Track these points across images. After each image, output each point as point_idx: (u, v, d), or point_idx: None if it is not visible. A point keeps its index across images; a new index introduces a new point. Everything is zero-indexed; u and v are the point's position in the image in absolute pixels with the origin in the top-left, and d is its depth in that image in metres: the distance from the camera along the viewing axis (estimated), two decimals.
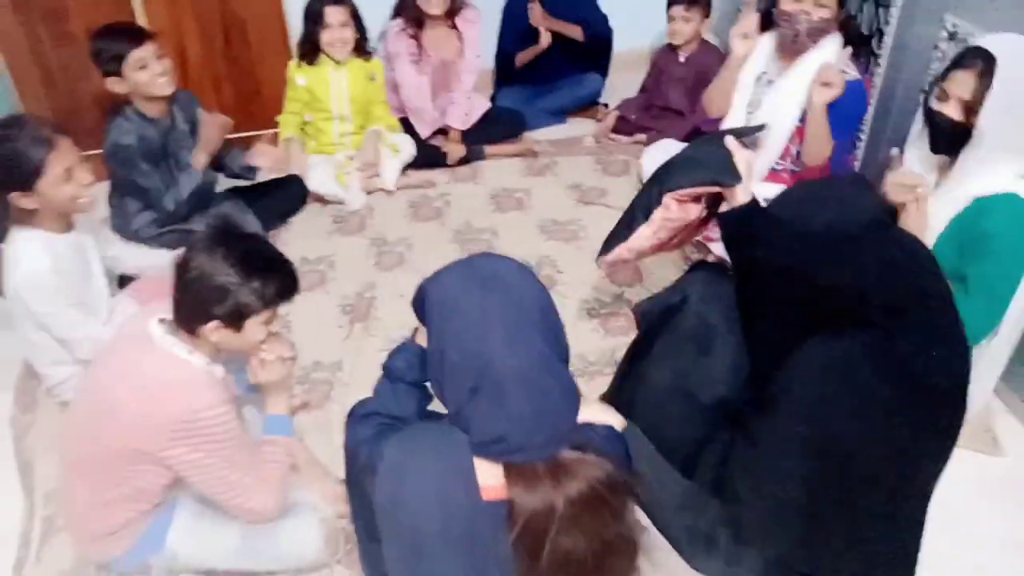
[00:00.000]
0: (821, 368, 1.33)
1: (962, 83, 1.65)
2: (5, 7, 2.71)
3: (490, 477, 1.11)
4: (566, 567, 1.09)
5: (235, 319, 1.41)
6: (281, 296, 1.45)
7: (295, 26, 2.97)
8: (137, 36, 2.28)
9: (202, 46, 2.93)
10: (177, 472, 1.44)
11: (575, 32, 3.31)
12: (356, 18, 2.83)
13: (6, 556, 1.73)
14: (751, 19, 2.31)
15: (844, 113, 2.22)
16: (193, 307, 1.41)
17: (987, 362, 1.81)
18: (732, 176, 1.56)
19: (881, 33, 2.41)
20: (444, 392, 1.16)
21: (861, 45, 2.37)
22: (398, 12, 3.03)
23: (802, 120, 2.28)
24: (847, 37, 2.26)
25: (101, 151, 2.37)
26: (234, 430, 1.43)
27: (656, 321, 1.71)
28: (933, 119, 1.73)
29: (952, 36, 2.11)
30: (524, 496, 1.08)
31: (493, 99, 3.46)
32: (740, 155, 1.58)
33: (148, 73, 2.28)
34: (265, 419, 1.63)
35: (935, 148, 1.76)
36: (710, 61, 3.10)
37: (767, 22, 2.35)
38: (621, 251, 1.82)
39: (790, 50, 2.27)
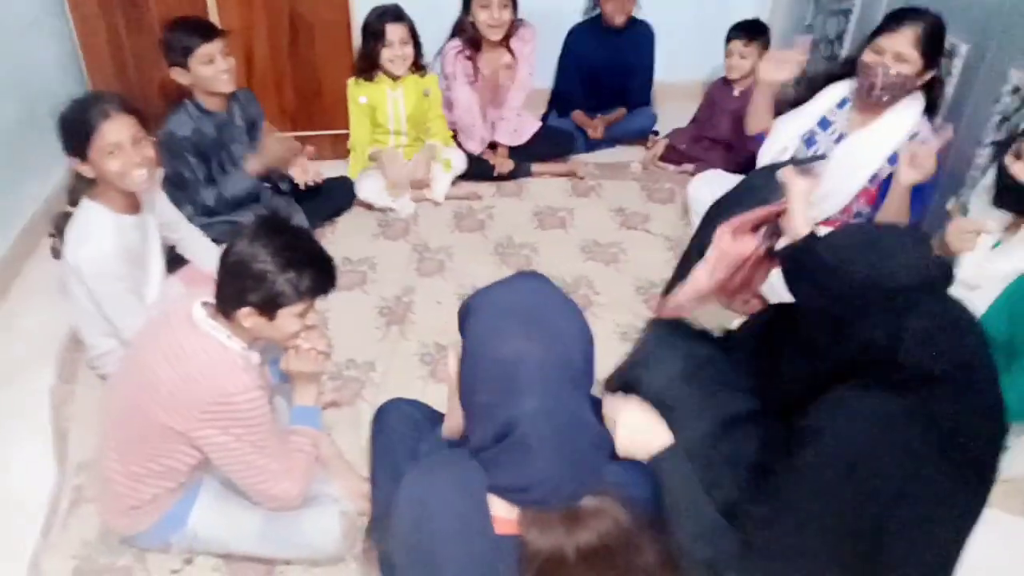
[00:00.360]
0: (861, 418, 1.20)
1: None
2: None
3: (502, 510, 1.08)
4: None
5: (269, 307, 1.44)
6: (316, 290, 1.47)
7: (359, 34, 3.03)
8: (208, 32, 2.36)
9: (269, 46, 3.01)
10: (206, 453, 1.47)
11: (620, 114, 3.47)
12: (414, 35, 2.89)
13: (34, 521, 1.78)
14: (790, 55, 2.30)
15: (923, 185, 2.11)
16: (231, 291, 1.44)
17: None
18: (782, 194, 1.48)
19: (942, 83, 2.38)
20: (470, 424, 1.13)
21: (939, 107, 2.25)
22: (456, 32, 3.09)
23: (871, 182, 2.21)
24: (930, 101, 2.18)
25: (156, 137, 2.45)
26: (265, 416, 1.46)
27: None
28: (1004, 175, 1.71)
29: (1016, 91, 2.08)
30: (536, 538, 1.05)
31: (544, 119, 3.50)
32: (796, 183, 1.48)
33: (213, 68, 2.36)
34: (293, 409, 1.66)
35: (999, 203, 1.74)
36: None
37: (849, 69, 2.27)
38: (680, 296, 1.71)
39: (865, 104, 2.19)
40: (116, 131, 1.79)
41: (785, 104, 2.42)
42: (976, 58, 2.26)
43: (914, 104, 2.15)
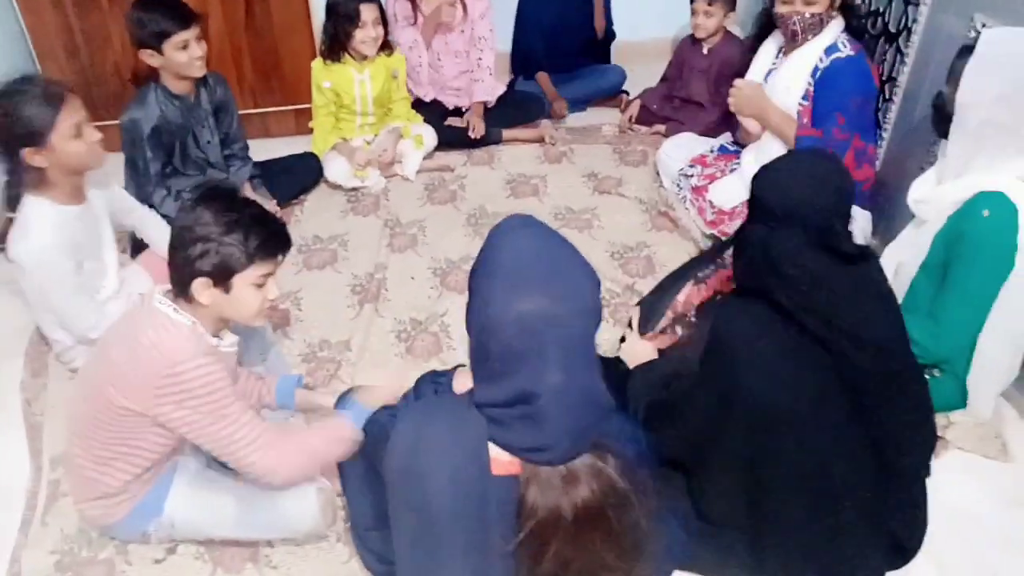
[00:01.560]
0: (732, 305, 1.48)
1: (958, 70, 1.70)
2: None
3: (502, 452, 1.10)
4: (565, 571, 1.09)
5: (221, 275, 1.41)
6: (266, 250, 1.44)
7: (317, 2, 2.95)
8: (186, 17, 2.27)
9: (225, 20, 2.92)
10: (171, 429, 1.44)
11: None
12: (383, 14, 2.81)
13: (12, 517, 1.76)
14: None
15: (835, 87, 2.31)
16: (180, 266, 1.41)
17: (992, 369, 1.82)
18: None
19: (909, 31, 2.37)
20: (481, 381, 1.11)
21: (861, 29, 2.46)
22: None
23: (805, 100, 2.38)
24: (849, 21, 2.36)
25: (118, 121, 2.38)
26: (218, 383, 1.41)
27: None
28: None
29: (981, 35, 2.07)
30: (535, 496, 1.07)
31: (511, 84, 3.44)
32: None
33: (187, 55, 2.29)
34: (350, 405, 1.63)
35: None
36: (733, 53, 3.06)
37: (768, 24, 2.48)
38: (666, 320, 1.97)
39: (791, 47, 2.40)
40: (74, 114, 1.77)
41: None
42: (941, 4, 2.24)
43: (833, 26, 2.34)
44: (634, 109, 3.30)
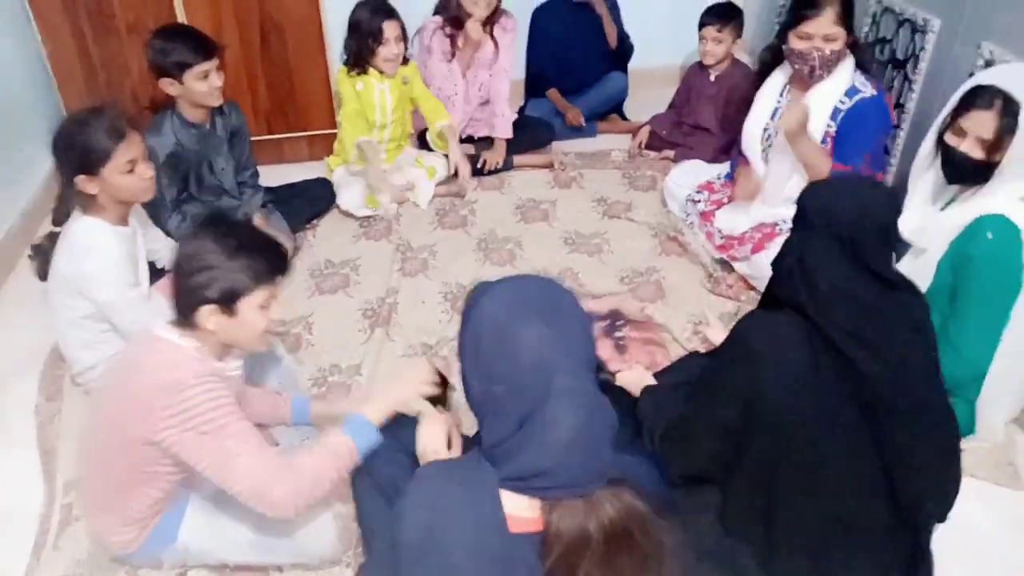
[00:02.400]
0: (756, 316, 1.46)
1: (982, 123, 1.70)
2: (53, 2, 2.78)
3: (521, 509, 1.07)
4: None
5: (227, 300, 1.42)
6: (270, 272, 1.46)
7: (332, 31, 3.00)
8: (208, 49, 2.32)
9: (240, 48, 2.97)
10: (178, 458, 1.42)
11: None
12: (404, 30, 2.86)
13: (25, 541, 1.77)
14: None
15: (864, 127, 2.27)
16: (186, 295, 1.42)
17: (1003, 392, 1.82)
18: None
19: (917, 58, 2.39)
20: (485, 422, 1.10)
21: (871, 64, 2.42)
22: (438, 10, 3.05)
23: (823, 143, 2.34)
24: (859, 59, 2.32)
25: None
26: (225, 407, 1.39)
27: None
28: (949, 155, 1.79)
29: (988, 64, 2.09)
30: (558, 522, 1.05)
31: (522, 110, 3.48)
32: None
33: (207, 84, 2.33)
34: (348, 416, 1.53)
35: (952, 180, 1.82)
36: (740, 80, 3.10)
37: (776, 58, 2.44)
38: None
39: (803, 83, 2.34)
40: (132, 148, 1.82)
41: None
42: (949, 32, 2.26)
43: (846, 65, 2.29)
44: (644, 135, 3.33)
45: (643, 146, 3.33)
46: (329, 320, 2.41)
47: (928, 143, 1.86)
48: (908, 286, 1.36)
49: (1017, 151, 1.67)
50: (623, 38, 3.46)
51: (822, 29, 2.22)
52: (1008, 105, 1.66)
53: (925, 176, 1.88)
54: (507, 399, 1.05)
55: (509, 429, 1.05)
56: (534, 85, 3.51)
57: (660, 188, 3.05)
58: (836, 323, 1.30)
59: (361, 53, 2.81)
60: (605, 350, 1.92)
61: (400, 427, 1.57)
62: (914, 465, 1.34)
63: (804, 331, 1.33)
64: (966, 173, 1.78)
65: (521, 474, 1.05)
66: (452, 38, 3.05)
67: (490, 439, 1.08)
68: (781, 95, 2.46)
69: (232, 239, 1.43)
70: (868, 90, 2.28)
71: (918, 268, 1.85)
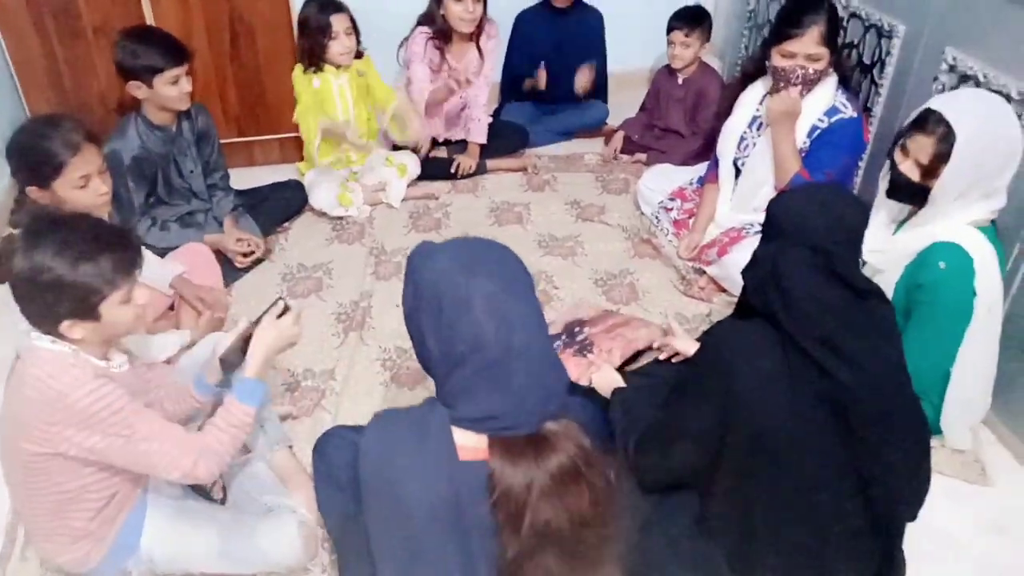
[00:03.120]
0: (728, 324, 1.48)
1: (922, 147, 1.73)
2: (17, 2, 2.72)
3: (469, 439, 1.13)
4: (545, 536, 1.12)
5: (87, 311, 1.34)
6: (121, 269, 1.36)
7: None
8: (180, 54, 2.29)
9: (209, 50, 2.94)
10: (91, 460, 1.40)
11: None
12: (354, 22, 2.84)
13: None
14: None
15: (835, 143, 2.29)
16: (39, 313, 1.34)
17: (964, 405, 1.86)
18: None
19: (883, 63, 2.43)
20: (441, 376, 1.16)
21: (849, 79, 2.41)
22: (423, 22, 3.04)
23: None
24: (842, 76, 2.32)
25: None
26: (117, 403, 1.36)
27: None
28: (892, 171, 1.82)
29: (952, 68, 2.13)
30: (506, 470, 1.10)
31: (497, 113, 3.48)
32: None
33: (176, 89, 2.30)
34: (237, 381, 1.56)
35: (888, 194, 1.85)
36: (708, 84, 3.14)
37: (759, 69, 2.42)
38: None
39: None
40: (87, 163, 1.76)
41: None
42: (914, 38, 2.31)
43: (827, 82, 2.29)
44: (618, 141, 3.34)
45: (618, 152, 3.35)
46: (303, 324, 2.39)
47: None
48: (878, 294, 1.37)
49: (947, 180, 1.69)
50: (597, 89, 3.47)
51: (805, 48, 2.20)
52: (947, 136, 1.67)
53: (881, 194, 1.91)
54: (468, 355, 1.10)
55: (466, 378, 1.12)
56: (511, 90, 3.51)
57: (633, 191, 3.07)
58: (809, 332, 1.31)
59: (314, 50, 2.80)
60: (571, 367, 1.95)
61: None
62: (887, 467, 1.35)
63: (776, 339, 1.34)
64: (901, 192, 1.81)
65: (475, 416, 1.12)
66: (441, 50, 3.05)
67: (443, 384, 1.15)
68: (760, 103, 2.44)
69: (70, 248, 1.31)
70: (848, 111, 2.28)
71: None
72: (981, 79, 2.02)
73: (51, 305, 1.32)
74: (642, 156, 3.28)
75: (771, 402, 1.33)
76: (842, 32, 2.64)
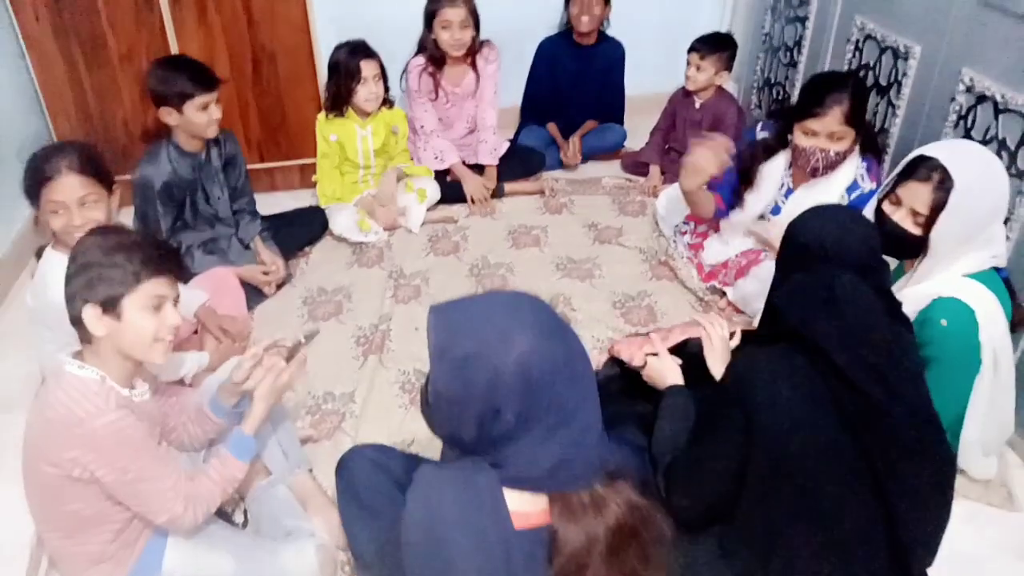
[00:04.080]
0: (754, 355, 1.43)
1: (916, 195, 1.70)
2: (44, 30, 2.80)
3: (525, 504, 1.09)
4: None
5: (110, 300, 1.38)
6: (149, 267, 1.40)
7: (323, 61, 3.03)
8: (211, 81, 2.34)
9: (232, 77, 2.99)
10: (101, 486, 1.41)
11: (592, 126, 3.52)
12: (383, 70, 2.89)
13: (16, 573, 1.74)
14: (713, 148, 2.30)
15: None
16: (71, 300, 1.40)
17: (979, 447, 1.84)
18: None
19: (900, 84, 2.43)
20: (500, 447, 1.08)
21: (877, 147, 2.36)
22: (420, 49, 3.10)
23: None
24: (864, 142, 2.26)
25: (127, 176, 2.43)
26: (131, 438, 1.39)
27: None
28: (883, 223, 1.76)
29: (969, 89, 2.13)
30: (569, 529, 1.07)
31: (516, 137, 3.52)
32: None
33: (206, 116, 2.34)
34: (233, 434, 1.60)
35: (884, 251, 1.75)
36: (724, 110, 3.15)
37: (781, 142, 2.35)
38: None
39: (804, 177, 2.31)
40: (62, 191, 1.76)
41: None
42: (930, 58, 2.31)
43: (850, 161, 2.25)
44: (656, 178, 3.29)
45: (629, 170, 3.36)
46: (322, 347, 2.41)
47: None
48: (903, 318, 1.36)
49: (945, 228, 1.67)
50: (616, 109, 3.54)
51: (828, 127, 2.16)
52: (943, 181, 1.65)
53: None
54: (544, 419, 1.05)
55: (534, 440, 1.06)
56: (530, 114, 3.54)
57: (650, 213, 3.08)
58: (861, 359, 1.27)
59: (340, 94, 2.85)
60: (626, 347, 1.86)
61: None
62: (912, 507, 1.32)
63: (803, 364, 1.31)
64: (897, 244, 1.75)
65: (529, 475, 1.07)
66: (434, 76, 3.10)
67: (505, 452, 1.07)
68: (781, 187, 2.39)
69: (113, 239, 1.42)
70: (867, 183, 2.24)
71: None
72: (999, 99, 2.01)
73: (81, 290, 1.38)
74: (661, 186, 3.25)
75: (795, 430, 1.31)
76: (857, 52, 2.65)
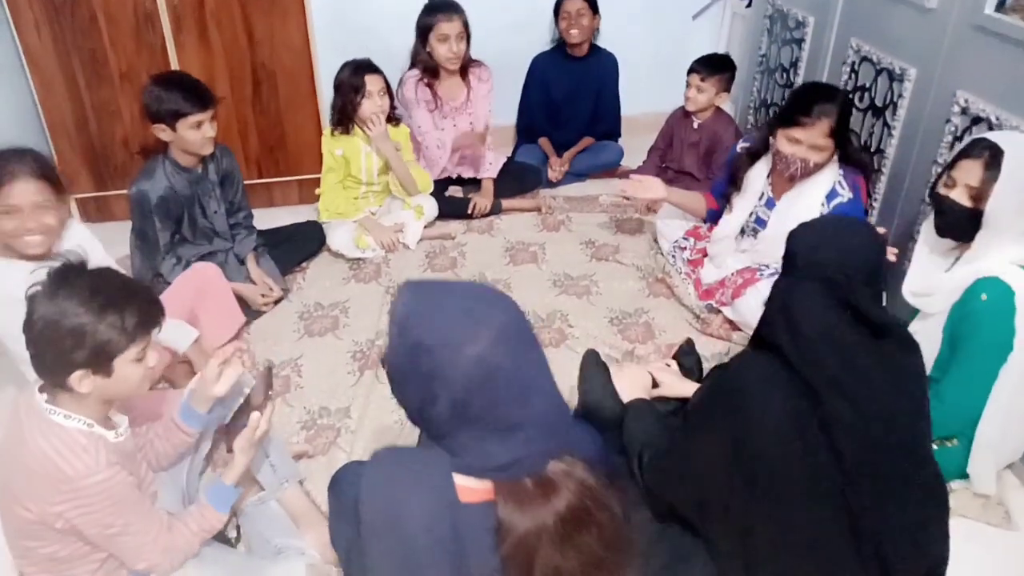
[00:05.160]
0: (744, 362, 1.44)
1: (970, 171, 1.76)
2: (46, 46, 2.82)
3: (470, 482, 1.10)
4: None
5: (101, 362, 1.32)
6: (144, 325, 1.36)
7: (323, 78, 3.06)
8: (204, 100, 2.33)
9: (232, 93, 3.01)
10: (75, 533, 1.40)
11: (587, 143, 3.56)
12: (388, 86, 2.92)
13: None
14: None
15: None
16: (52, 361, 1.32)
17: (992, 446, 1.83)
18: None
19: (895, 106, 2.45)
20: (446, 433, 1.11)
21: (857, 160, 2.41)
22: (414, 63, 3.15)
23: None
24: (843, 156, 2.33)
25: (126, 191, 2.44)
26: (120, 496, 1.38)
27: None
28: (940, 204, 1.83)
29: (964, 111, 2.15)
30: (515, 517, 1.07)
31: (513, 154, 3.54)
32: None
33: (200, 134, 2.35)
34: (214, 483, 1.59)
35: (941, 232, 1.86)
36: (722, 131, 3.17)
37: (766, 146, 2.44)
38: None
39: (785, 184, 2.40)
40: (17, 194, 1.74)
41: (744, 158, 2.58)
42: (925, 81, 2.33)
43: (829, 169, 2.33)
44: (657, 206, 3.26)
45: (651, 207, 3.34)
46: (318, 363, 2.40)
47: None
48: (900, 336, 1.33)
49: (1000, 198, 1.71)
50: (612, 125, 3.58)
51: (811, 139, 2.24)
52: (994, 155, 1.71)
53: (925, 236, 1.92)
54: (484, 415, 1.06)
55: (477, 434, 1.08)
56: (526, 132, 3.57)
57: (647, 231, 3.09)
58: (817, 370, 1.27)
59: (345, 110, 2.86)
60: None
61: None
62: (888, 521, 1.29)
63: (785, 377, 1.31)
64: (951, 223, 1.81)
65: (483, 466, 1.09)
66: (431, 87, 3.14)
67: (454, 441, 1.10)
68: (761, 197, 2.49)
69: (99, 295, 1.31)
70: (845, 192, 2.31)
71: (927, 331, 1.87)
72: (993, 121, 2.03)
73: (67, 353, 1.30)
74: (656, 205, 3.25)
75: (779, 445, 1.29)
76: (853, 75, 2.67)
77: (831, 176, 2.33)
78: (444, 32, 3.02)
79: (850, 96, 2.31)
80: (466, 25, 3.06)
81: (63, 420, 1.36)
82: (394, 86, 3.02)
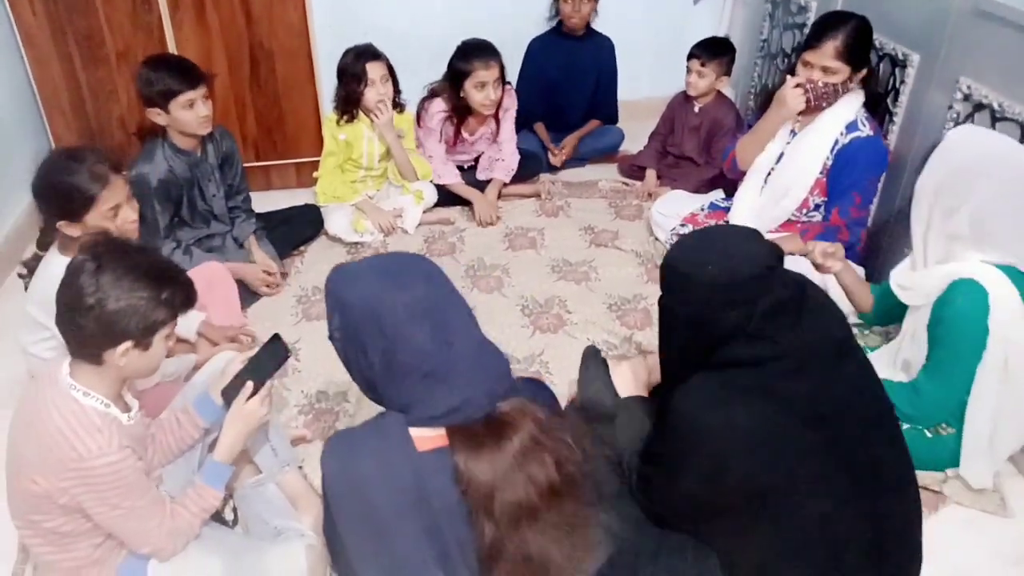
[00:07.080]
0: (694, 392, 1.36)
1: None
2: (42, 27, 2.79)
3: (424, 432, 1.18)
4: (519, 515, 1.15)
5: (146, 336, 1.38)
6: (187, 303, 1.44)
7: (321, 60, 3.03)
8: (193, 77, 2.31)
9: (230, 76, 2.99)
10: (80, 511, 1.41)
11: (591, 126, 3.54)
12: (392, 71, 2.88)
13: (2, 572, 1.73)
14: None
15: (855, 165, 2.34)
16: (98, 336, 1.34)
17: (980, 443, 1.83)
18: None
19: (897, 92, 2.44)
20: (389, 389, 1.20)
21: (878, 103, 2.47)
22: (436, 93, 3.04)
23: (821, 173, 2.41)
24: (868, 94, 2.37)
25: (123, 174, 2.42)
26: (128, 478, 1.38)
27: None
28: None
29: (967, 97, 2.14)
30: (470, 461, 1.14)
31: None
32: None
33: (193, 114, 2.33)
34: (205, 463, 1.60)
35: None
36: (723, 115, 3.16)
37: (770, 100, 2.48)
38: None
39: (805, 117, 2.44)
40: (115, 196, 1.79)
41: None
42: (928, 67, 2.32)
43: (852, 99, 2.36)
44: (651, 183, 3.28)
45: (626, 174, 3.36)
46: (316, 347, 2.40)
47: None
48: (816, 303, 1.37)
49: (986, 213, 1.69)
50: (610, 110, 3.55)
51: (821, 60, 2.28)
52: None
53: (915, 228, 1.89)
54: (413, 364, 1.16)
55: (415, 385, 1.18)
56: (524, 118, 3.54)
57: (646, 217, 3.08)
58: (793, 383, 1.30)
59: (349, 98, 2.83)
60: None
61: None
62: (885, 518, 1.32)
63: (737, 389, 1.30)
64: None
65: (432, 414, 1.17)
66: (456, 126, 3.08)
67: (400, 398, 1.19)
68: (789, 138, 2.49)
69: (152, 271, 1.38)
70: (865, 130, 2.33)
71: (916, 324, 1.88)
72: (996, 108, 2.02)
73: (118, 328, 1.33)
74: (657, 189, 3.25)
75: (755, 453, 1.28)
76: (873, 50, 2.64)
77: (853, 107, 2.35)
78: (482, 80, 2.91)
79: (867, 21, 2.31)
80: (503, 68, 2.96)
81: (81, 397, 1.38)
82: (397, 73, 2.97)
